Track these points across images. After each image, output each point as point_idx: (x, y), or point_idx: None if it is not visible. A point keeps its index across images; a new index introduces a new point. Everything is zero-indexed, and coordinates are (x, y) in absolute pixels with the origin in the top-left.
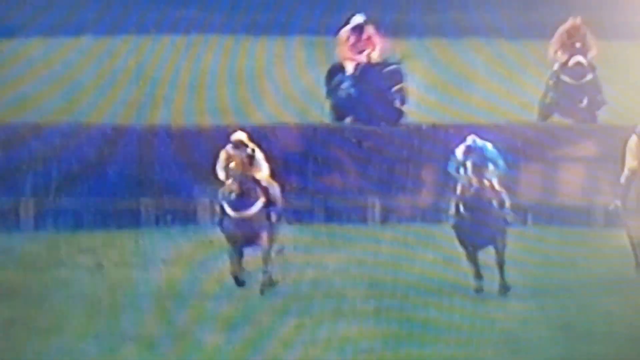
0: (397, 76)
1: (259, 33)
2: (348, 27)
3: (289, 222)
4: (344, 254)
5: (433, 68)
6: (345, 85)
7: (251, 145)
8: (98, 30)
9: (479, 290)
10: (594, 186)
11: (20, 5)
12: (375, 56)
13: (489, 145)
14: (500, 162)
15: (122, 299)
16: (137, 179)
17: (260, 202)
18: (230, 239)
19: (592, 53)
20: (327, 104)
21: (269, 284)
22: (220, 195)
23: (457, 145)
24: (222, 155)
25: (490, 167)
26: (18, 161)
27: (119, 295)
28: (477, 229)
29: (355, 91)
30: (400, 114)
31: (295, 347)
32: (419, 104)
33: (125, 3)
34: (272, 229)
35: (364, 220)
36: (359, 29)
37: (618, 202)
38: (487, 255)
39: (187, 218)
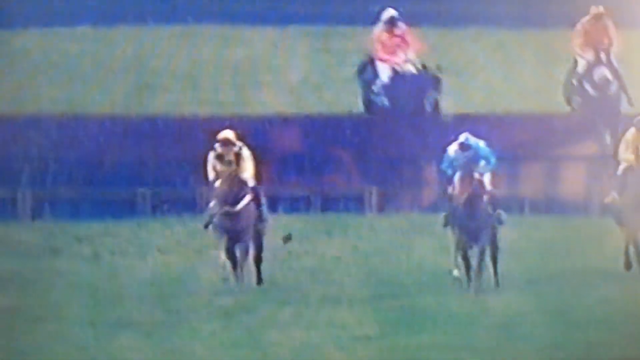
0: (433, 87)
1: (257, 23)
2: (381, 22)
3: (286, 211)
4: (341, 242)
5: (431, 57)
6: (378, 92)
7: (238, 143)
8: (95, 20)
9: (462, 282)
10: (591, 175)
11: None
12: (412, 57)
13: (482, 143)
14: (493, 160)
15: (119, 288)
16: (134, 168)
17: (249, 197)
18: (221, 233)
19: (614, 47)
20: (360, 99)
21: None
22: (211, 199)
23: (455, 135)
24: (211, 154)
25: (482, 164)
26: (16, 151)
27: (116, 283)
28: (469, 227)
29: (389, 102)
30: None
31: (292, 335)
32: None
33: None
34: (260, 218)
35: (361, 209)
36: (391, 24)
37: (615, 195)
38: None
39: (183, 207)
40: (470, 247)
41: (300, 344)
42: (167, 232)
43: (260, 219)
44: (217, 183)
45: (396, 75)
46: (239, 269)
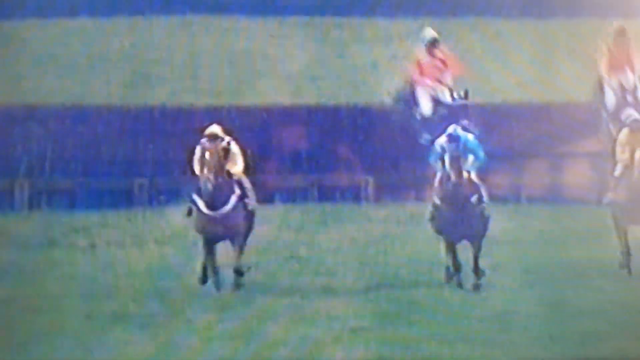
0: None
1: (255, 13)
2: (422, 43)
3: (284, 201)
4: (338, 233)
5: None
6: (420, 127)
7: (227, 138)
8: (94, 12)
9: (449, 280)
10: (590, 166)
11: None
12: (449, 82)
13: (470, 136)
14: (481, 154)
15: (115, 279)
16: (132, 159)
17: (235, 197)
18: (205, 236)
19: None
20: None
21: (239, 282)
22: (195, 192)
23: (447, 126)
24: (198, 149)
25: (471, 158)
26: (13, 142)
27: (113, 274)
28: (454, 221)
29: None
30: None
31: (286, 325)
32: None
33: None
34: (247, 223)
35: (357, 199)
36: (432, 45)
37: (611, 196)
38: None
39: (180, 198)
40: (456, 242)
41: (296, 336)
42: (164, 223)
43: (246, 217)
44: (203, 176)
45: (435, 106)
46: (217, 273)
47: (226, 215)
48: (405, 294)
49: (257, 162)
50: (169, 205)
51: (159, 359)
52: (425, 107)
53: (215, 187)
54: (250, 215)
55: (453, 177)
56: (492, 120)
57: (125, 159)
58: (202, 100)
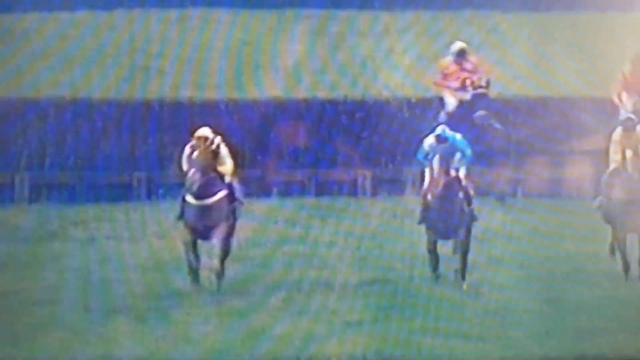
0: (483, 103)
1: (254, 6)
2: (450, 54)
3: (281, 195)
4: (334, 227)
5: (425, 40)
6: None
7: (216, 139)
8: (91, 4)
9: (437, 276)
10: (586, 159)
11: None
12: (477, 82)
13: (458, 136)
14: (468, 152)
15: (113, 272)
16: (130, 152)
17: (223, 192)
18: (191, 227)
19: None
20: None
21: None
22: (183, 189)
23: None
24: (187, 149)
25: (458, 158)
26: (13, 135)
27: (111, 268)
28: (442, 220)
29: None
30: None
31: (284, 320)
32: (411, 76)
33: None
34: (232, 221)
35: (353, 193)
36: (461, 57)
37: (603, 198)
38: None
39: (178, 192)
40: (441, 240)
41: (292, 329)
42: (161, 217)
43: (231, 217)
44: (191, 172)
45: (460, 104)
46: (201, 269)
47: (211, 207)
48: (401, 288)
49: (254, 156)
50: (167, 199)
51: (156, 351)
52: (450, 105)
53: (202, 181)
54: (234, 214)
55: (442, 176)
56: (488, 112)
57: (124, 152)
58: (200, 94)
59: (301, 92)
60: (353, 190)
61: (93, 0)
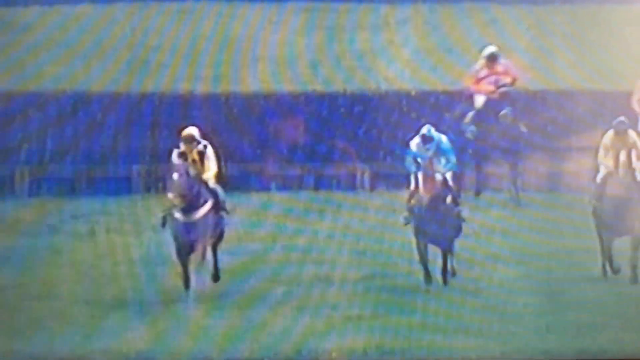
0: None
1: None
2: (481, 58)
3: (279, 188)
4: (332, 221)
5: (425, 33)
6: (469, 122)
7: (203, 141)
8: None
9: (428, 282)
10: (586, 153)
11: None
12: (504, 83)
13: (444, 138)
14: (452, 158)
15: (114, 265)
16: (131, 146)
17: (208, 205)
18: (179, 242)
19: None
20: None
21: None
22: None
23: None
24: (174, 153)
25: (443, 161)
26: (14, 128)
27: (111, 261)
28: (429, 225)
29: (477, 130)
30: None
31: (284, 314)
32: (410, 69)
33: None
34: (219, 227)
35: (353, 187)
36: (492, 60)
37: (594, 202)
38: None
39: None
40: (428, 244)
41: (292, 324)
42: (161, 210)
43: (218, 225)
44: (174, 178)
45: (488, 102)
46: (191, 279)
47: (197, 224)
48: (400, 283)
49: (253, 150)
50: (167, 193)
51: (157, 344)
52: (478, 105)
53: (186, 194)
54: (221, 225)
55: (429, 183)
56: (487, 105)
57: (125, 146)
58: (201, 87)
59: (300, 86)
60: (352, 185)
61: None
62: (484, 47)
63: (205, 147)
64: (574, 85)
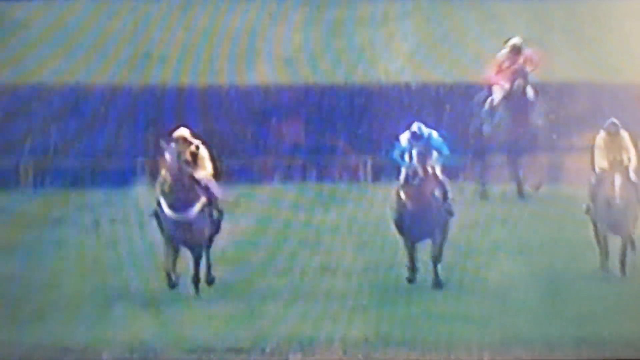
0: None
1: None
2: (504, 50)
3: (282, 181)
4: (335, 212)
5: (425, 26)
6: (485, 117)
7: (195, 142)
8: None
9: (411, 280)
10: (583, 144)
11: None
12: (528, 72)
13: (435, 134)
14: (445, 150)
15: (118, 257)
16: (133, 138)
17: (200, 203)
18: (169, 238)
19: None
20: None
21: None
22: (157, 188)
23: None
24: (166, 155)
25: (435, 155)
26: (18, 121)
27: (116, 252)
28: (417, 220)
29: (492, 127)
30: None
31: (285, 303)
32: (410, 62)
33: None
34: (213, 228)
35: (355, 179)
36: (515, 52)
37: (590, 203)
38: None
39: None
40: (417, 241)
41: (295, 314)
42: None
43: (214, 228)
44: (162, 172)
45: (506, 97)
46: (177, 271)
47: (190, 221)
48: (403, 273)
49: (256, 142)
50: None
51: (161, 335)
52: (496, 97)
53: (178, 191)
54: (215, 225)
55: (418, 173)
56: (486, 98)
57: (128, 138)
58: (202, 80)
59: (302, 79)
60: (354, 176)
61: None
62: (483, 41)
63: (197, 147)
64: (574, 79)
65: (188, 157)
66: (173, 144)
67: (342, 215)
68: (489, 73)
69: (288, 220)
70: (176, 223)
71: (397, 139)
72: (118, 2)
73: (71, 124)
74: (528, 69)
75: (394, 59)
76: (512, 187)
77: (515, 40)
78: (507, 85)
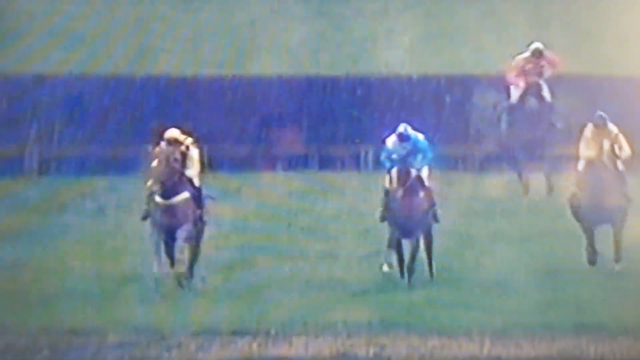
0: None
1: None
2: (525, 54)
3: (285, 169)
4: (337, 200)
5: (425, 20)
6: (500, 114)
7: (186, 142)
8: None
9: (402, 275)
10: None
11: None
12: (547, 75)
13: (421, 136)
14: (430, 154)
15: (123, 241)
16: (137, 126)
17: (187, 192)
18: (159, 228)
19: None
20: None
21: (186, 277)
22: (148, 189)
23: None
24: (156, 151)
25: (420, 159)
26: (23, 110)
27: (121, 237)
28: (403, 222)
29: (508, 125)
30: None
31: (291, 290)
32: (410, 54)
33: None
34: (200, 225)
35: (356, 168)
36: (537, 57)
37: (576, 191)
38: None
39: None
40: (403, 240)
41: (298, 299)
42: None
43: (199, 221)
44: (154, 165)
45: (523, 97)
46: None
47: (176, 206)
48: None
49: (259, 131)
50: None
51: (166, 319)
52: (513, 98)
53: (167, 180)
54: (199, 222)
55: (403, 177)
56: (489, 91)
57: (131, 126)
58: (205, 71)
59: (304, 70)
60: (356, 165)
61: None
62: (483, 33)
63: (187, 147)
64: (572, 72)
65: (178, 156)
66: (163, 144)
67: (343, 203)
68: (510, 74)
69: (291, 207)
70: (163, 207)
71: (384, 142)
72: None
73: (76, 113)
74: (547, 72)
75: (395, 51)
76: (512, 176)
77: (537, 44)
78: (524, 86)
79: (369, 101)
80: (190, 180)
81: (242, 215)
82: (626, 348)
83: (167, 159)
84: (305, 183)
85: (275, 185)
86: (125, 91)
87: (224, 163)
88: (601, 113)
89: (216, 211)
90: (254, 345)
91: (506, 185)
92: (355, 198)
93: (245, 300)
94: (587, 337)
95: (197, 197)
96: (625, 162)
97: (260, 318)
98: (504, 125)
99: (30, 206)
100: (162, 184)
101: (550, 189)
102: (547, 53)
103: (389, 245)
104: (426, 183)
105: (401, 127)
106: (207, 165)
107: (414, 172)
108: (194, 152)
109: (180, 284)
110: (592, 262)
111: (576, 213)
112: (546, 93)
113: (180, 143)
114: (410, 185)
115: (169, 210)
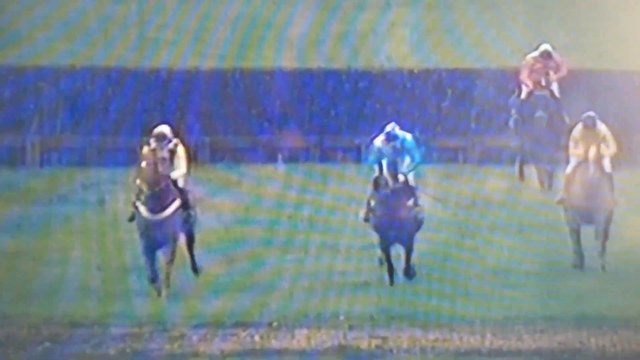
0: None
1: None
2: (534, 53)
3: (286, 162)
4: (338, 192)
5: (427, 13)
6: (510, 109)
7: (174, 139)
8: None
9: (392, 282)
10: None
11: None
12: (554, 78)
13: (409, 136)
14: (417, 155)
15: (124, 232)
16: (139, 118)
17: (176, 204)
18: (145, 240)
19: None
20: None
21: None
22: (135, 193)
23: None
24: (145, 150)
25: (407, 162)
26: (25, 101)
27: (121, 229)
28: (389, 223)
29: (519, 120)
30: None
31: (292, 281)
32: (412, 48)
33: None
34: (188, 230)
35: (357, 160)
36: (546, 58)
37: (564, 194)
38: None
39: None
40: (390, 244)
41: (299, 290)
42: None
43: (185, 224)
44: (142, 166)
45: (532, 94)
46: (156, 281)
47: (164, 221)
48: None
49: (261, 123)
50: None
51: (168, 310)
52: (523, 94)
53: (153, 191)
54: (190, 227)
55: (390, 177)
56: (488, 85)
57: (133, 118)
58: (207, 64)
59: (306, 63)
60: (356, 157)
61: None
62: (484, 27)
63: (176, 145)
64: (572, 66)
65: (165, 154)
66: (152, 140)
67: (344, 195)
68: (521, 73)
69: (292, 199)
70: (150, 223)
71: (372, 142)
72: None
73: (77, 104)
74: (553, 76)
75: (396, 44)
76: (511, 168)
77: (546, 46)
78: (532, 85)
79: (370, 94)
80: (176, 183)
81: (242, 207)
82: (627, 340)
83: (155, 163)
84: (306, 175)
85: (276, 178)
86: (127, 83)
87: (225, 155)
88: (590, 113)
89: (217, 203)
90: (256, 337)
91: (506, 176)
92: (356, 190)
93: (246, 292)
94: (588, 329)
95: (185, 202)
96: (613, 160)
97: (261, 310)
98: (511, 122)
99: (32, 197)
100: (150, 192)
101: (550, 184)
102: (556, 55)
103: (380, 248)
104: (411, 184)
105: (389, 127)
106: (209, 158)
107: (400, 175)
108: (181, 151)
109: (159, 294)
110: (577, 265)
111: (567, 218)
112: (555, 89)
113: (169, 140)
114: (397, 192)
115: (157, 225)
